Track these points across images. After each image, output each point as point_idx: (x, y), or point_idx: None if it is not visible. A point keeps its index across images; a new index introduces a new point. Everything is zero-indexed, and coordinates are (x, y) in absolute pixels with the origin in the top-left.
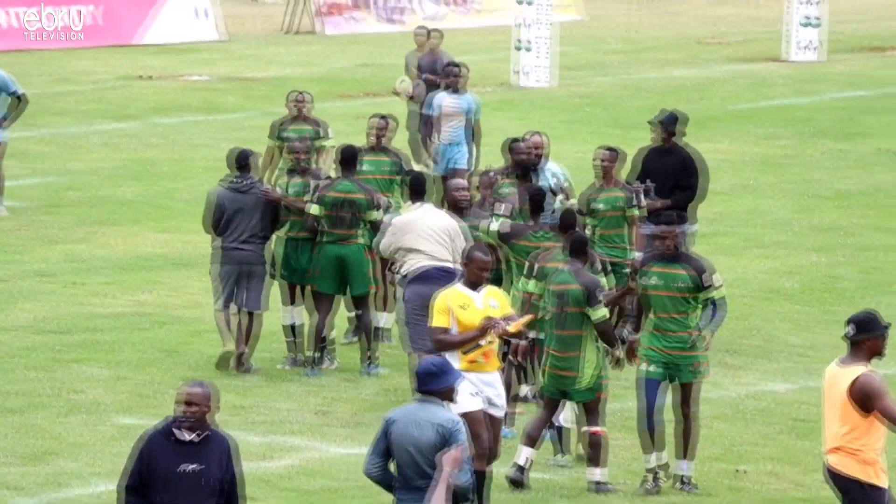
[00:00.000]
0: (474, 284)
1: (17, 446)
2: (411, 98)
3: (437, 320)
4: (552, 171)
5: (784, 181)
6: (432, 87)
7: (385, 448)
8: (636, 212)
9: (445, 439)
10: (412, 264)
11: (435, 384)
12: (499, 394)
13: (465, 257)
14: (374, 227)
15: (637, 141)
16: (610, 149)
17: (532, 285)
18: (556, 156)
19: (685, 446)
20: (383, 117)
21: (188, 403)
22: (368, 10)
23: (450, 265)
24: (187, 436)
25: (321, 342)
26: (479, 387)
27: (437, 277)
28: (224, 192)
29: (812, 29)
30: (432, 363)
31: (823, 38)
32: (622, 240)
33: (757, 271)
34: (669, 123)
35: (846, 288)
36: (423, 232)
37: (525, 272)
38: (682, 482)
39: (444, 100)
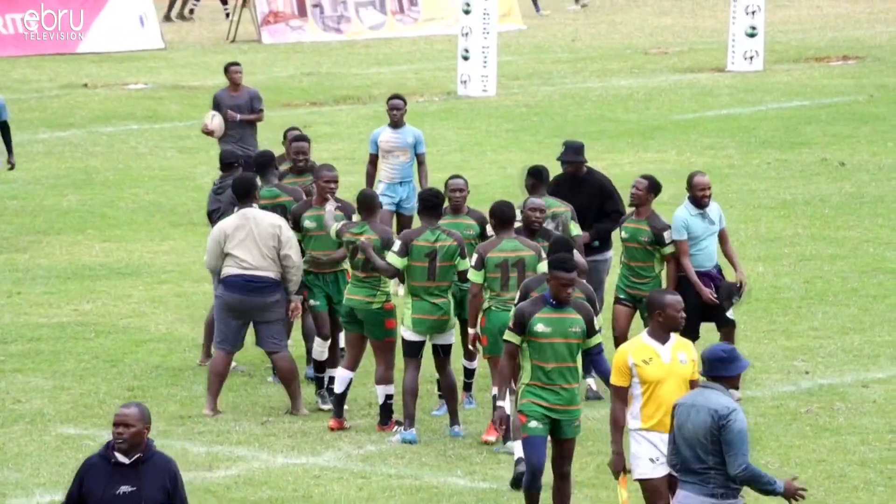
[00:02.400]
0: (665, 330)
1: None
2: (217, 135)
3: (615, 378)
4: (717, 213)
5: (728, 191)
6: (244, 125)
7: (674, 435)
8: (668, 249)
9: (719, 425)
10: (226, 271)
11: (723, 370)
12: None
13: (653, 305)
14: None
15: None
16: (647, 177)
17: (478, 276)
18: (503, 164)
19: None
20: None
21: (122, 425)
22: (311, 19)
23: (265, 274)
24: (122, 458)
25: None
26: (661, 448)
27: (241, 286)
28: (210, 194)
29: (755, 39)
30: (722, 349)
31: (761, 49)
32: (649, 273)
33: None
34: (581, 152)
35: (790, 298)
36: (245, 237)
37: (472, 263)
38: None
39: (382, 135)
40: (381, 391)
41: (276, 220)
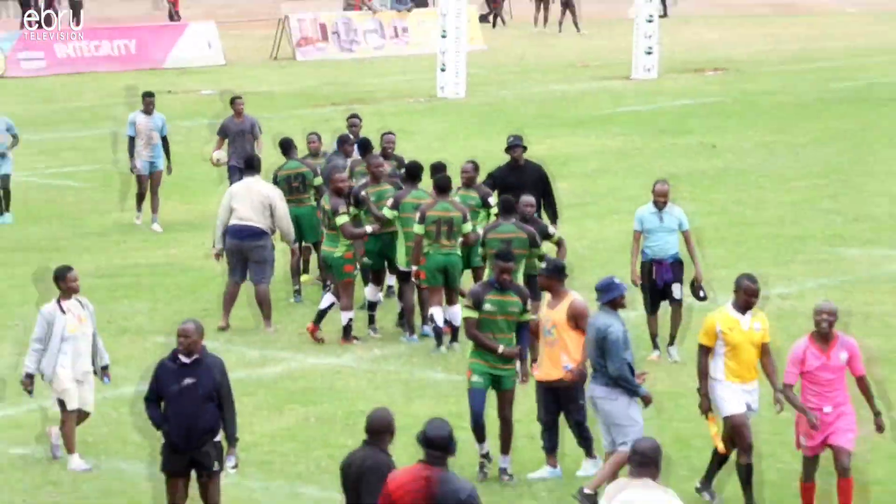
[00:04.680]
0: (743, 308)
1: None
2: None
3: (702, 338)
4: (676, 216)
5: (634, 166)
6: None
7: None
8: (495, 210)
9: (600, 337)
10: (230, 222)
11: (604, 297)
12: (756, 399)
13: (737, 285)
14: (318, 192)
15: (529, 137)
16: (471, 161)
17: (420, 228)
18: (471, 149)
19: (506, 444)
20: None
21: (184, 335)
22: (331, 42)
23: (255, 224)
24: (185, 359)
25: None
26: (741, 395)
27: (236, 233)
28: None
29: (651, 56)
30: (604, 282)
31: (656, 63)
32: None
33: (615, 231)
34: (521, 140)
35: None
36: (244, 197)
37: (416, 219)
38: (505, 473)
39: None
40: (344, 316)
41: (269, 191)
